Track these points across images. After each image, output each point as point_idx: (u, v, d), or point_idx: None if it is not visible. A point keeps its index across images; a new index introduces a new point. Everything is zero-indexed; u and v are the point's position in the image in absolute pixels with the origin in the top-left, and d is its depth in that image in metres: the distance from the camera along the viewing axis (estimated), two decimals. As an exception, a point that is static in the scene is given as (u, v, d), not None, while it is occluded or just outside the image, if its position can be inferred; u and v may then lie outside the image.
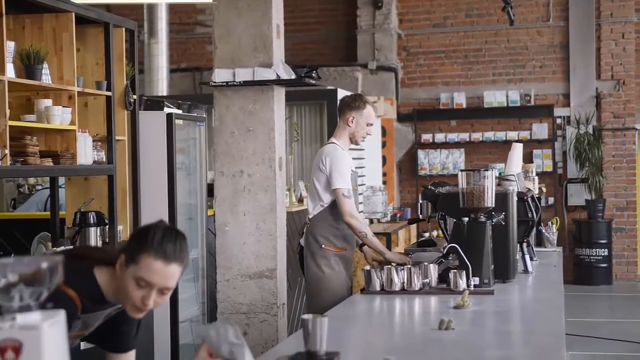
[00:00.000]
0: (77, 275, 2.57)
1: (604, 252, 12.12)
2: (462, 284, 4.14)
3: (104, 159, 5.51)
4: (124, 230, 5.78)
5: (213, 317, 6.23)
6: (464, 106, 12.77)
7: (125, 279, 2.54)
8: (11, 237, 6.29)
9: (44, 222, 5.86)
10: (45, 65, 4.90)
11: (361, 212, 9.73)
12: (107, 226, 5.51)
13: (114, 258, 2.62)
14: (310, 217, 5.23)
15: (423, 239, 6.44)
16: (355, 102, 5.25)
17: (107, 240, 5.54)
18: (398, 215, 10.82)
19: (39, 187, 8.38)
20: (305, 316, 2.74)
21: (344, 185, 5.04)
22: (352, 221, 5.03)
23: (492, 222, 4.42)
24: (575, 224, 12.37)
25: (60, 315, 1.78)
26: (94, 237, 5.36)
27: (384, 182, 12.05)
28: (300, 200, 8.17)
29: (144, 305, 2.55)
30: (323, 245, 5.14)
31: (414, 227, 11.00)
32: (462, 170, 4.44)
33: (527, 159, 12.18)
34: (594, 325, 9.37)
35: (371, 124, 5.27)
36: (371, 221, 10.18)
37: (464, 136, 12.71)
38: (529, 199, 5.05)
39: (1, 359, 1.69)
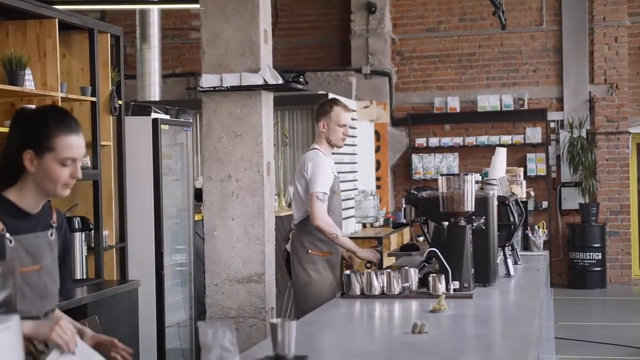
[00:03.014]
0: None
1: (597, 255, 12.13)
2: (441, 288, 4.15)
3: (89, 165, 5.53)
4: (109, 236, 5.79)
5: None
6: (458, 110, 12.79)
7: (46, 168, 2.64)
8: None
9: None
10: (28, 71, 4.92)
11: (352, 216, 9.78)
12: (92, 231, 5.52)
13: (13, 176, 2.68)
14: (295, 222, 5.33)
15: (406, 243, 6.46)
16: (322, 107, 5.38)
17: (92, 245, 5.56)
18: (391, 219, 10.83)
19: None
20: (274, 320, 2.76)
21: (319, 189, 5.15)
22: (320, 224, 5.12)
23: (472, 226, 4.43)
24: (569, 228, 12.38)
25: (14, 321, 1.80)
26: (79, 242, 5.38)
27: (378, 187, 12.07)
28: (290, 205, 8.17)
29: (72, 179, 2.69)
30: (310, 251, 5.23)
31: (407, 231, 11.02)
32: (442, 175, 4.45)
33: (521, 162, 12.20)
34: (587, 329, 9.38)
35: (344, 125, 5.34)
36: (364, 225, 10.19)
37: (458, 140, 12.73)
38: (512, 203, 5.06)
39: (-49, 364, 1.70)
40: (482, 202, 4.52)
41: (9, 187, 2.70)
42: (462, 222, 4.38)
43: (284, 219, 7.60)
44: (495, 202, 4.67)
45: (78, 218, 5.41)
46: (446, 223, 4.38)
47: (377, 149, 12.26)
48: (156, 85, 10.30)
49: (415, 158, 12.84)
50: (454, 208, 4.37)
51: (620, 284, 12.43)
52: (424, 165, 12.83)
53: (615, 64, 12.46)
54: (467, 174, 4.41)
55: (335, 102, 5.38)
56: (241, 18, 5.59)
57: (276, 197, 8.17)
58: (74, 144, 2.67)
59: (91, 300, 4.83)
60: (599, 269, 12.16)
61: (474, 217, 4.46)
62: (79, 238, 5.38)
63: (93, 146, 5.56)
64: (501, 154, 5.59)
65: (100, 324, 4.83)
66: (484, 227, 4.51)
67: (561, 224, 12.57)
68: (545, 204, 12.45)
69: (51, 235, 2.78)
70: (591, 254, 12.12)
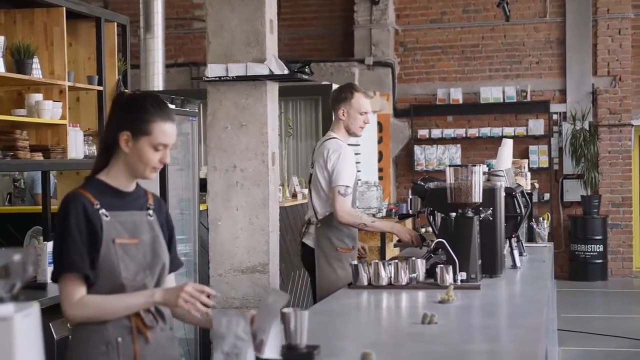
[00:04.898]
0: (81, 186, 2.85)
1: (599, 248, 12.15)
2: (449, 278, 4.16)
3: (96, 154, 5.52)
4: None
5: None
6: (461, 102, 12.79)
7: (140, 150, 2.79)
8: (5, 231, 6.30)
9: (37, 216, 5.88)
10: (35, 60, 4.92)
11: (357, 207, 9.76)
12: (98, 220, 5.51)
13: (107, 158, 2.84)
14: (319, 217, 5.11)
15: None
16: (342, 93, 5.16)
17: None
18: (394, 210, 10.83)
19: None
20: (286, 310, 2.76)
21: (342, 182, 4.97)
22: (345, 219, 4.96)
23: (480, 217, 4.43)
24: (570, 220, 12.39)
25: (34, 308, 1.80)
26: (85, 231, 5.37)
27: (381, 178, 12.07)
28: (294, 196, 8.18)
29: (161, 164, 2.84)
30: (338, 248, 5.07)
31: (409, 222, 11.02)
32: (449, 166, 4.45)
33: (523, 154, 12.20)
34: (589, 321, 9.39)
35: (365, 113, 5.15)
36: (366, 216, 10.19)
37: (461, 132, 12.73)
38: (518, 195, 5.06)
39: (-28, 350, 1.71)
40: (489, 194, 4.52)
41: (101, 170, 2.86)
42: (470, 213, 4.39)
43: (287, 209, 7.60)
44: (503, 194, 4.68)
45: (84, 207, 5.40)
46: (454, 214, 4.38)
47: (380, 140, 12.25)
48: (159, 75, 10.26)
49: (417, 149, 12.84)
50: (461, 199, 4.38)
51: (622, 276, 12.45)
52: (426, 157, 12.84)
53: (619, 56, 12.45)
54: (475, 165, 4.41)
55: (355, 88, 5.18)
56: (247, 8, 5.57)
57: (280, 187, 8.17)
58: (169, 131, 2.81)
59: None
60: (600, 261, 12.18)
61: (481, 208, 4.46)
62: (85, 227, 5.37)
63: (99, 135, 5.56)
64: (507, 146, 5.59)
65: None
66: (491, 219, 4.51)
67: (563, 216, 12.58)
68: (547, 196, 12.45)
69: (149, 215, 2.91)
70: (593, 246, 12.14)
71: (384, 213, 10.40)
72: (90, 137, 5.54)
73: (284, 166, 8.90)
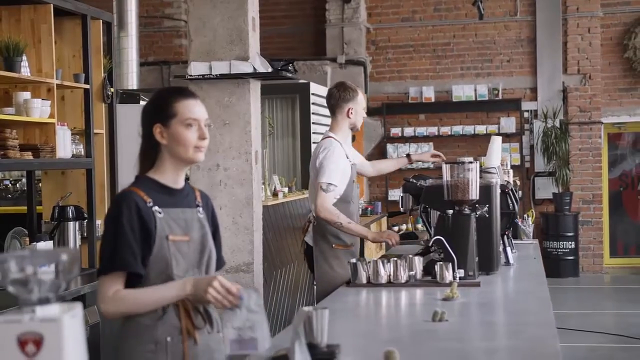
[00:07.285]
0: (133, 184, 2.86)
1: (570, 244, 12.26)
2: (449, 276, 4.16)
3: (82, 153, 5.45)
4: (102, 225, 5.71)
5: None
6: (433, 100, 12.83)
7: (175, 134, 2.79)
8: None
9: (19, 216, 5.79)
10: (24, 58, 4.83)
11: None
12: (85, 220, 5.45)
13: (152, 159, 2.84)
14: (314, 215, 5.10)
15: (405, 231, 6.46)
16: (349, 92, 5.19)
17: (85, 235, 5.48)
18: (369, 209, 10.86)
19: (6, 182, 8.30)
20: (306, 308, 2.74)
21: (325, 179, 4.99)
22: (322, 215, 4.97)
23: (476, 214, 4.44)
24: (542, 217, 12.49)
25: (78, 308, 1.76)
26: (73, 231, 5.30)
27: (354, 176, 12.07)
28: (275, 194, 8.15)
29: (202, 139, 2.81)
30: (334, 245, 5.07)
31: (384, 220, 11.06)
32: (446, 163, 4.45)
33: (496, 152, 12.25)
34: (562, 317, 9.46)
35: (364, 108, 5.28)
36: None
37: (433, 130, 12.77)
38: (511, 191, 5.08)
39: (22, 353, 1.66)
40: (485, 190, 4.53)
41: (149, 169, 2.85)
42: (467, 210, 4.39)
43: (269, 208, 7.56)
44: (498, 190, 4.70)
45: (71, 207, 5.33)
46: (451, 211, 4.38)
47: (353, 139, 12.17)
48: (134, 74, 10.15)
49: (390, 147, 12.86)
50: (458, 196, 4.38)
51: (593, 273, 12.58)
52: (399, 155, 12.85)
53: (588, 55, 12.57)
54: (471, 162, 4.42)
55: (352, 86, 5.24)
56: (229, 5, 5.55)
57: (262, 186, 8.13)
58: (194, 107, 2.81)
59: (89, 290, 4.77)
60: (571, 257, 12.29)
61: (477, 205, 4.46)
62: (72, 227, 5.31)
63: (86, 134, 5.48)
64: (497, 143, 5.61)
65: (95, 314, 4.79)
66: (487, 215, 4.52)
67: (535, 213, 12.65)
68: (519, 193, 12.52)
69: (200, 213, 2.89)
70: (564, 243, 12.24)
71: (360, 212, 10.41)
72: (77, 136, 5.46)
73: (265, 165, 8.86)
